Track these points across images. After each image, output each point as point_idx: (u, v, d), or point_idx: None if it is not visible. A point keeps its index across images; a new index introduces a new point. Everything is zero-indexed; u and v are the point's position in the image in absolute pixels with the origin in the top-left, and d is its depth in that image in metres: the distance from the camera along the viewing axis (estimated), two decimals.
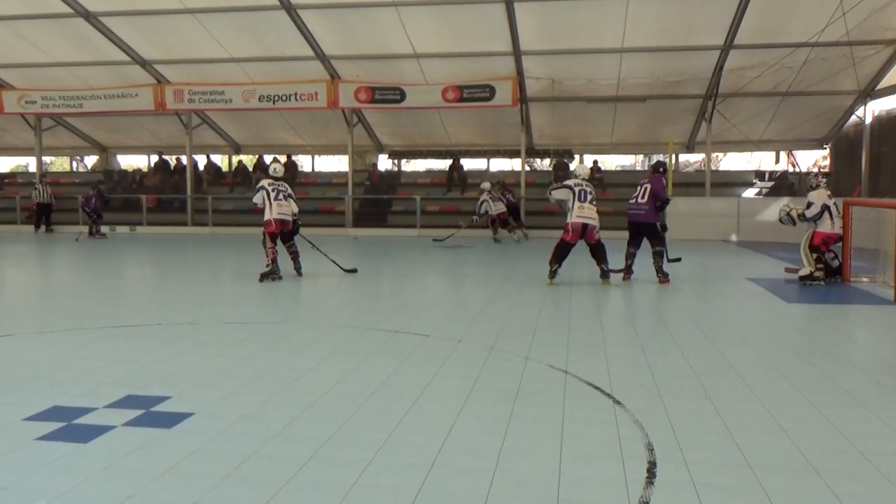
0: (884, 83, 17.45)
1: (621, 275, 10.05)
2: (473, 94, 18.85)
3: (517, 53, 17.59)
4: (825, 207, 9.57)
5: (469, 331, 6.55)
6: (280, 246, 10.15)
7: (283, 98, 19.86)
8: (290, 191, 10.28)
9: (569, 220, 9.58)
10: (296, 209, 10.25)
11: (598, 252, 9.70)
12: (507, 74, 18.51)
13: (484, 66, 18.36)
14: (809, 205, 9.66)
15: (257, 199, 10.04)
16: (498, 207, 17.42)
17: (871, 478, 3.27)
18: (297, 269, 10.40)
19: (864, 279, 9.82)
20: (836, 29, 14.26)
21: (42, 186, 21.34)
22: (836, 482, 3.19)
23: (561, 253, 9.65)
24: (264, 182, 10.12)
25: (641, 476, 3.26)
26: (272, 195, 9.94)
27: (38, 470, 3.29)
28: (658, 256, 9.94)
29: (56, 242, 17.86)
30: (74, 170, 28.23)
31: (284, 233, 10.11)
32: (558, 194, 9.78)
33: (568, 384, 4.75)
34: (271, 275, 9.86)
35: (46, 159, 27.99)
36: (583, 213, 9.52)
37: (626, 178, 24.08)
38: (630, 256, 10.18)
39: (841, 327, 7.38)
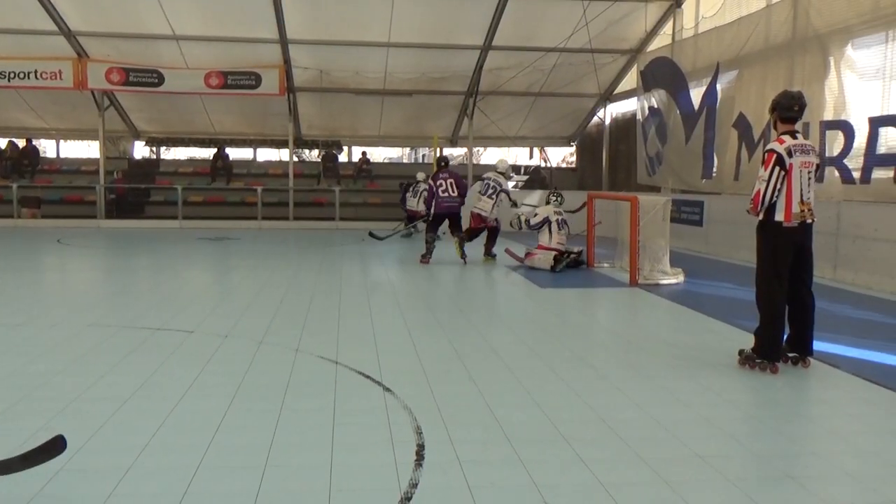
0: (620, 88, 19.46)
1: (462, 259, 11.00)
2: (238, 81, 18.19)
3: (284, 41, 17.23)
4: (546, 221, 10.49)
5: (236, 325, 6.35)
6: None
7: (21, 76, 17.76)
8: None
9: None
10: None
11: (492, 236, 11.41)
12: (274, 63, 18.07)
13: (250, 53, 17.79)
14: (535, 215, 10.61)
15: None
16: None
17: (611, 442, 3.64)
18: None
19: (605, 265, 10.87)
20: (581, 37, 15.60)
21: None
22: (583, 449, 3.52)
23: (472, 236, 11.33)
24: None
25: (411, 459, 3.36)
26: None
27: None
28: (462, 242, 11.11)
29: None
30: None
31: None
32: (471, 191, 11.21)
33: (339, 374, 4.77)
34: None
35: None
36: (478, 204, 11.23)
37: (394, 170, 24.64)
38: (434, 240, 11.18)
39: (586, 309, 8.12)
